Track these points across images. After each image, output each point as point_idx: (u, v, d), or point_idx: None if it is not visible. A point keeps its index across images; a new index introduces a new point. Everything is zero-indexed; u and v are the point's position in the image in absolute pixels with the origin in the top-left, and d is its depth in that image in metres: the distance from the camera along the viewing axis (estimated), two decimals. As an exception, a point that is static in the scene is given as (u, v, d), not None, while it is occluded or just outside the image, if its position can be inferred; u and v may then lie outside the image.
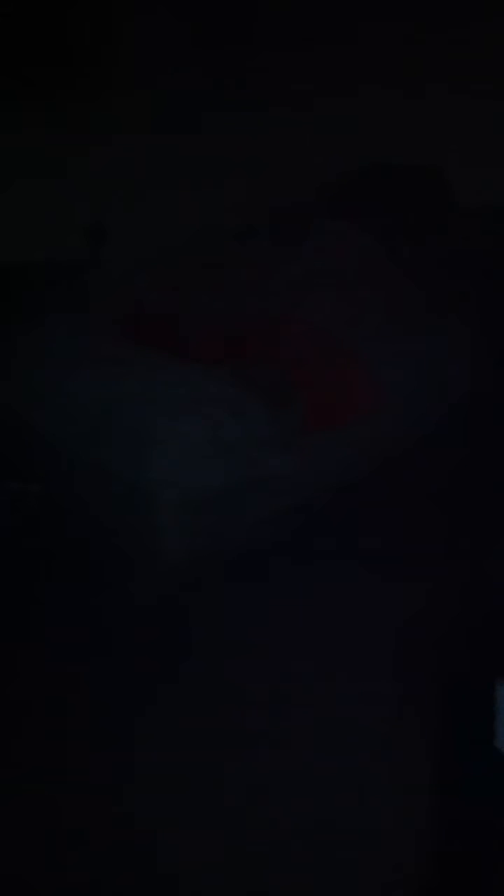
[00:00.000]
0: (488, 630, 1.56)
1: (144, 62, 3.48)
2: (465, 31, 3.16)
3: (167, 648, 2.42)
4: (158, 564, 2.45)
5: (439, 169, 3.28)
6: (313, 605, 2.54)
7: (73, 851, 1.97)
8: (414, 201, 3.28)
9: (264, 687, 2.32)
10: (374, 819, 1.97)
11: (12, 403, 2.72)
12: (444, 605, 2.12)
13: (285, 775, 2.11)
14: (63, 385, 2.68)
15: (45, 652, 2.43)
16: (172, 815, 2.03)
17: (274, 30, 3.48)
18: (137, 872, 1.93)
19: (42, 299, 3.05)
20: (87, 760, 2.15)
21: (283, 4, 3.48)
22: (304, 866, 1.93)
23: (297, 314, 2.86)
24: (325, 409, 2.62)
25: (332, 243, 3.11)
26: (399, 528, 2.66)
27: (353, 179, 3.34)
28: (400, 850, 1.88)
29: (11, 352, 2.81)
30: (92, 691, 2.32)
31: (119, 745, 2.19)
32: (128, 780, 2.12)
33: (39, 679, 2.35)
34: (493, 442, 2.75)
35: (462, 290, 2.97)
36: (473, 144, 3.16)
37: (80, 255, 3.40)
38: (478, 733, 1.48)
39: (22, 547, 2.56)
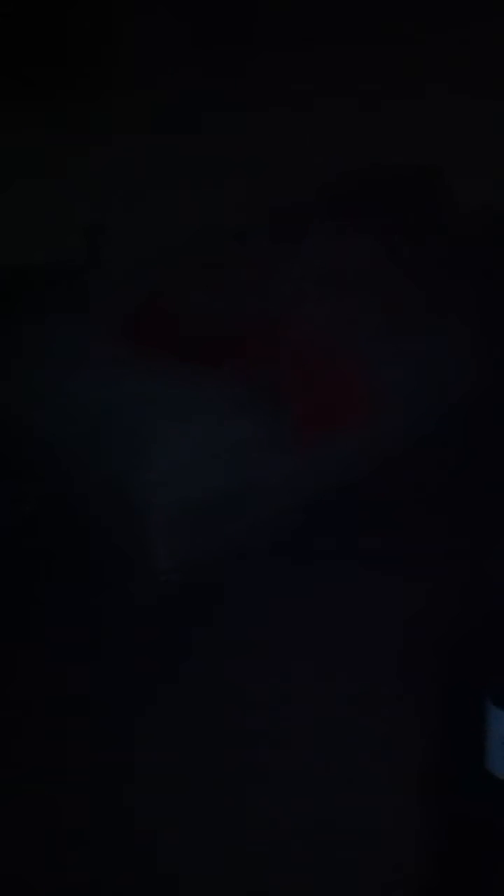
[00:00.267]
0: (489, 631, 1.56)
1: (144, 62, 3.48)
2: (465, 31, 3.16)
3: (167, 648, 2.42)
4: (156, 565, 2.45)
5: (439, 169, 3.28)
6: (313, 605, 2.54)
7: (73, 851, 1.97)
8: (414, 201, 3.28)
9: (264, 687, 2.32)
10: (374, 819, 1.97)
11: (12, 403, 2.72)
12: (444, 605, 2.12)
13: (285, 775, 2.11)
14: (62, 385, 2.68)
15: (45, 652, 2.43)
16: (172, 815, 2.03)
17: (274, 29, 3.48)
18: (137, 872, 1.93)
19: (42, 299, 3.05)
20: (87, 760, 2.15)
21: (283, 4, 3.48)
22: (304, 866, 1.93)
23: (296, 315, 2.86)
24: (323, 411, 2.62)
25: (331, 243, 3.11)
26: (399, 528, 2.66)
27: (352, 179, 3.34)
28: (400, 850, 1.88)
29: (11, 352, 2.82)
30: (92, 691, 2.32)
31: (119, 745, 2.19)
32: (128, 780, 2.12)
33: (39, 679, 2.35)
34: (494, 442, 2.75)
35: (462, 290, 2.97)
36: (474, 144, 3.16)
37: (80, 255, 3.40)
38: (471, 754, 1.48)
39: (22, 547, 2.56)
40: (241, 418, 2.52)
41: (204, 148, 3.46)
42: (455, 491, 2.77)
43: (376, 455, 2.71)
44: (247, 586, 2.51)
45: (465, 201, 3.24)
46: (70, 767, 2.13)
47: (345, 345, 2.78)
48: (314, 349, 2.75)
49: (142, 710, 2.27)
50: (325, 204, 3.31)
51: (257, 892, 1.89)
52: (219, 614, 2.50)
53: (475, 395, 2.89)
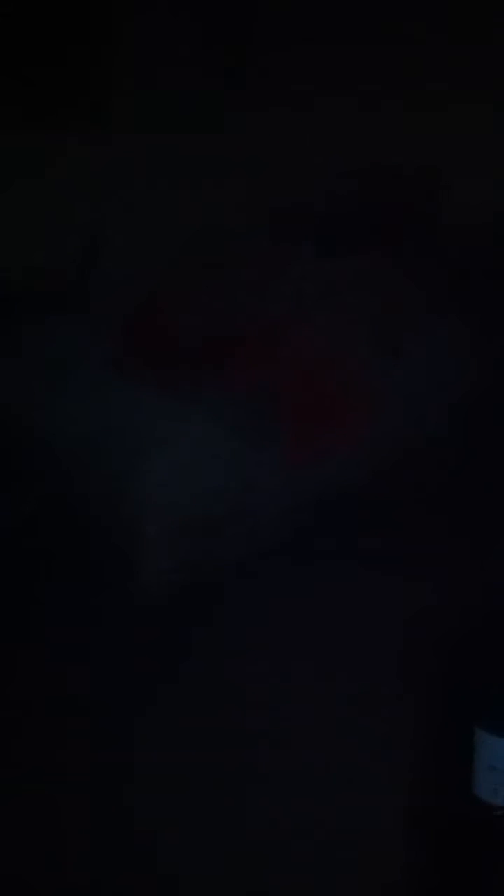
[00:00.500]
0: (490, 631, 1.56)
1: (144, 62, 3.48)
2: (466, 30, 3.17)
3: (167, 648, 2.42)
4: (156, 565, 2.46)
5: (439, 168, 3.28)
6: (313, 605, 2.54)
7: (72, 851, 1.97)
8: (413, 201, 3.28)
9: (264, 687, 2.32)
10: (374, 819, 1.97)
11: (11, 404, 2.73)
12: (444, 606, 2.12)
13: (285, 775, 2.12)
14: (60, 386, 2.68)
15: (45, 652, 2.43)
16: (172, 814, 2.03)
17: (273, 28, 3.49)
18: (137, 872, 1.93)
19: (40, 299, 3.06)
20: (86, 760, 2.16)
21: (282, 4, 3.48)
22: (303, 866, 1.93)
23: (295, 316, 2.86)
24: (322, 412, 2.62)
25: (330, 245, 3.12)
26: (399, 528, 2.66)
27: (351, 179, 3.34)
28: (400, 850, 1.88)
29: (9, 352, 2.82)
30: (91, 691, 2.32)
31: (118, 744, 2.19)
32: (127, 779, 2.12)
33: (38, 679, 2.36)
34: (494, 442, 2.76)
35: (462, 291, 2.97)
36: (474, 144, 3.16)
37: (78, 256, 3.40)
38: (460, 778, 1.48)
39: (21, 546, 2.56)
40: (241, 419, 2.52)
41: (203, 148, 3.47)
42: (455, 491, 2.78)
43: (377, 455, 2.72)
44: (246, 586, 2.52)
45: (465, 201, 3.24)
46: (70, 767, 2.13)
47: (344, 346, 2.78)
48: (314, 350, 2.75)
49: (141, 710, 2.27)
50: (323, 204, 3.32)
51: (257, 892, 1.90)
52: (219, 614, 2.50)
53: (476, 395, 2.90)
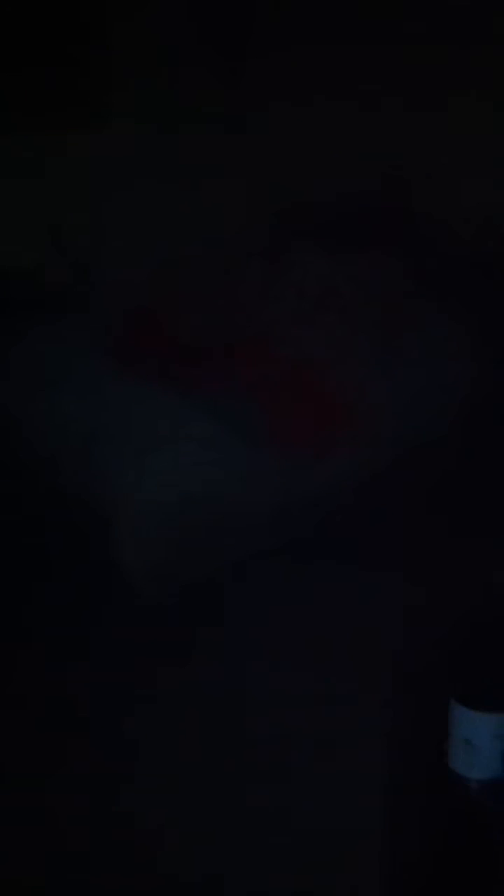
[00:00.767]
0: (490, 631, 1.56)
1: (142, 62, 3.48)
2: (465, 32, 3.17)
3: (167, 649, 2.42)
4: (153, 567, 2.46)
5: (434, 171, 3.28)
6: (313, 606, 2.54)
7: (72, 851, 1.97)
8: (409, 205, 3.28)
9: (264, 687, 2.32)
10: (374, 819, 1.97)
11: (9, 402, 2.74)
12: (444, 607, 2.12)
13: (285, 775, 2.12)
14: (46, 394, 2.70)
15: (45, 652, 2.43)
16: (172, 815, 2.03)
17: (273, 29, 3.49)
18: (137, 872, 1.93)
19: (32, 305, 3.06)
20: (86, 760, 2.16)
21: (281, 4, 3.48)
22: (303, 865, 1.93)
23: (292, 318, 2.87)
24: (316, 416, 2.63)
25: (326, 249, 3.12)
26: (399, 529, 2.66)
27: (348, 185, 3.34)
28: (401, 849, 1.88)
29: (3, 356, 2.84)
30: (91, 691, 2.32)
31: (119, 744, 2.19)
32: (128, 780, 2.12)
33: (38, 679, 2.35)
34: (493, 444, 2.75)
35: (459, 295, 2.97)
36: (470, 146, 3.16)
37: (72, 260, 3.40)
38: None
39: (21, 545, 2.56)
40: (238, 417, 2.53)
41: (203, 148, 3.47)
42: (455, 492, 2.78)
43: (372, 454, 2.71)
44: (246, 586, 2.52)
45: (461, 204, 3.24)
46: (69, 767, 2.13)
47: (342, 346, 2.78)
48: (311, 350, 2.75)
49: (141, 710, 2.27)
50: (322, 205, 3.31)
51: (257, 892, 1.89)
52: (218, 614, 2.50)
53: (474, 397, 2.89)
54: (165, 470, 2.48)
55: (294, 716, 2.24)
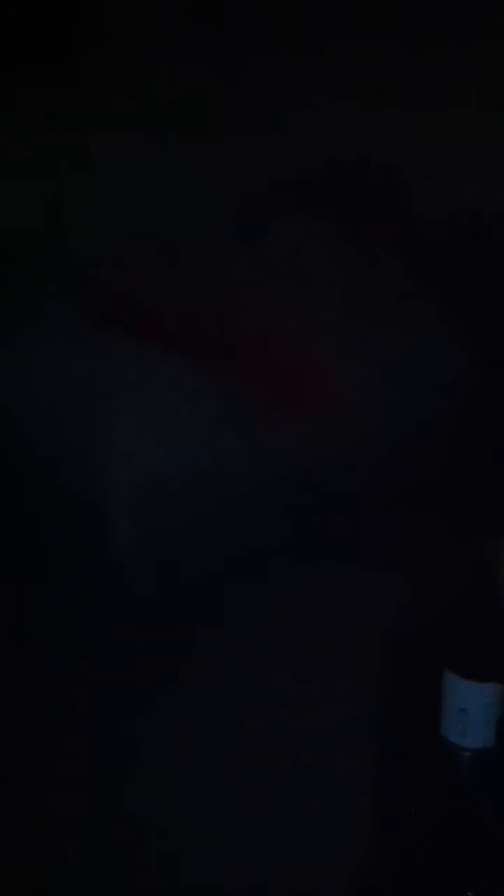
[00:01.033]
0: (489, 630, 1.56)
1: (144, 61, 3.48)
2: (450, 26, 3.17)
3: (167, 648, 2.42)
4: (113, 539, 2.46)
5: (412, 161, 3.28)
6: (313, 606, 2.54)
7: (72, 851, 1.97)
8: (385, 194, 3.29)
9: (264, 687, 2.32)
10: (374, 819, 1.97)
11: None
12: (444, 606, 2.12)
13: (285, 775, 2.12)
14: (20, 365, 2.70)
15: (45, 652, 2.43)
16: (172, 815, 2.03)
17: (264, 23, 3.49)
18: (137, 872, 1.93)
19: (8, 280, 3.07)
20: (86, 761, 2.16)
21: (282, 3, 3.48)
22: (303, 865, 1.93)
23: (257, 301, 2.87)
24: (279, 396, 2.63)
25: (302, 232, 3.12)
26: (399, 529, 2.67)
27: (325, 171, 3.35)
28: (401, 849, 1.88)
29: None
30: (90, 690, 2.32)
31: (119, 744, 2.19)
32: (128, 780, 2.12)
33: (38, 679, 2.35)
34: (492, 442, 2.75)
35: (434, 281, 2.97)
36: (448, 138, 3.16)
37: (52, 238, 3.40)
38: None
39: (21, 546, 2.56)
40: (197, 401, 2.54)
41: (187, 132, 3.47)
42: (454, 491, 2.77)
43: (333, 442, 2.71)
44: (246, 586, 2.52)
45: (433, 194, 3.25)
46: (69, 767, 2.13)
47: (304, 332, 2.78)
48: (272, 336, 2.76)
49: (142, 709, 2.27)
50: (298, 193, 3.32)
51: (257, 892, 1.89)
52: (218, 614, 2.50)
53: (468, 389, 2.89)
54: (150, 446, 2.49)
55: (294, 716, 2.24)
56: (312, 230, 3.12)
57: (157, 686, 2.33)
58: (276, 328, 2.76)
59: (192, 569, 2.51)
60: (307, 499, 2.67)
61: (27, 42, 3.39)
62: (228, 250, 3.13)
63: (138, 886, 1.92)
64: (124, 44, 3.57)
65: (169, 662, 2.39)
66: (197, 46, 3.55)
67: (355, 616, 2.46)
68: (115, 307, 2.86)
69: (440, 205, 3.22)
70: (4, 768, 2.12)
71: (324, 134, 3.39)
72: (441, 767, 1.48)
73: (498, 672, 1.43)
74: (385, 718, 1.75)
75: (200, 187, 3.37)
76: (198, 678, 2.36)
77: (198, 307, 2.81)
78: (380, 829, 1.85)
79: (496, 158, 3.05)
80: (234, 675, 2.36)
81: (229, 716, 2.25)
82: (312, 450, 2.66)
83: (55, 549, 2.53)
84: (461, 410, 2.88)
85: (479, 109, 3.13)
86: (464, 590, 1.70)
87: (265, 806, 2.05)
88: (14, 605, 2.52)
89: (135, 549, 2.47)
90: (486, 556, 1.77)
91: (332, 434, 2.69)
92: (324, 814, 2.01)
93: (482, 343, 2.90)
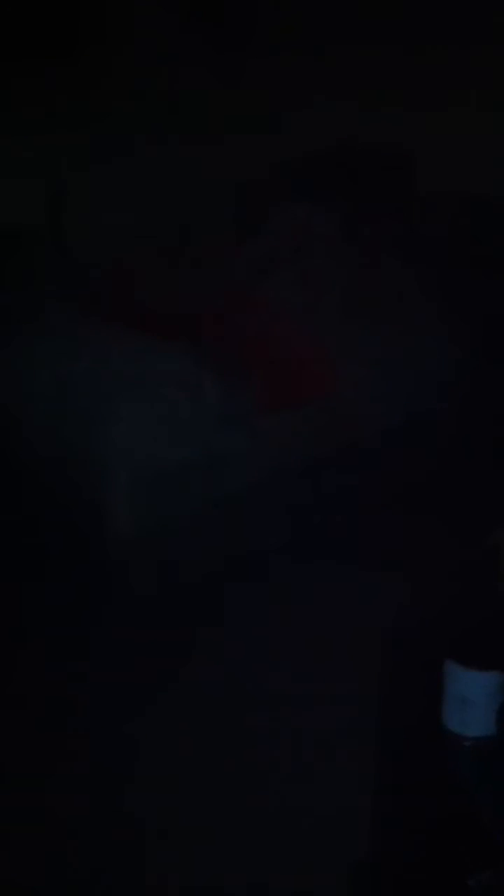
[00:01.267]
0: (491, 621, 1.55)
1: (144, 61, 3.49)
2: (442, 14, 3.18)
3: (167, 648, 2.42)
4: (112, 538, 2.46)
5: (409, 151, 3.29)
6: (313, 606, 2.54)
7: (72, 851, 1.97)
8: (382, 183, 3.29)
9: (264, 687, 2.32)
10: (374, 819, 1.97)
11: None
12: (444, 605, 2.11)
13: (285, 775, 2.12)
14: (20, 365, 2.70)
15: (45, 652, 2.43)
16: (172, 815, 2.03)
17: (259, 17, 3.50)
18: (136, 872, 1.93)
19: (5, 282, 3.07)
20: (86, 761, 2.16)
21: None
22: (303, 865, 1.93)
23: (256, 295, 2.87)
24: (279, 389, 2.63)
25: (295, 225, 3.12)
26: (398, 529, 2.67)
27: (322, 159, 3.35)
28: (401, 849, 1.88)
29: None
30: (92, 691, 2.32)
31: (119, 744, 2.19)
32: (128, 780, 2.12)
33: (38, 679, 2.36)
34: (491, 441, 2.75)
35: (428, 283, 2.97)
36: (445, 128, 3.17)
37: (50, 229, 3.41)
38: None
39: (21, 546, 2.56)
40: (197, 395, 2.54)
41: (177, 126, 3.48)
42: (454, 491, 2.78)
43: (333, 436, 2.71)
44: (246, 586, 2.52)
45: (433, 185, 3.25)
46: (69, 767, 2.13)
47: (303, 326, 2.78)
48: (272, 330, 2.76)
49: (142, 709, 2.27)
50: (298, 193, 3.32)
51: (257, 891, 1.89)
52: (218, 614, 2.51)
53: (461, 387, 2.89)
54: (124, 437, 2.49)
55: (294, 716, 2.24)
56: (312, 230, 3.13)
57: (157, 686, 2.33)
58: (276, 328, 2.76)
59: (192, 569, 2.51)
60: (307, 499, 2.68)
61: (28, 42, 3.40)
62: (228, 250, 3.13)
63: (138, 886, 1.92)
64: (124, 44, 3.58)
65: (169, 662, 2.39)
66: (197, 46, 3.56)
67: (355, 616, 2.45)
68: (115, 307, 2.87)
69: (440, 205, 3.23)
70: (4, 768, 2.12)
71: (324, 134, 3.40)
72: (441, 766, 1.48)
73: (499, 661, 1.43)
74: (385, 718, 1.74)
75: (200, 187, 3.38)
76: (198, 678, 2.36)
77: (198, 307, 2.81)
78: (380, 829, 1.85)
79: (496, 158, 3.06)
80: (234, 675, 2.36)
81: (229, 716, 2.25)
82: (312, 449, 2.67)
83: (55, 549, 2.53)
84: (461, 410, 2.88)
85: (479, 109, 3.14)
86: (464, 589, 1.70)
87: (265, 806, 2.04)
88: (14, 605, 2.53)
89: (135, 549, 2.47)
90: (486, 553, 1.77)
91: (333, 433, 2.69)
92: (324, 814, 2.00)
93: (482, 343, 2.91)
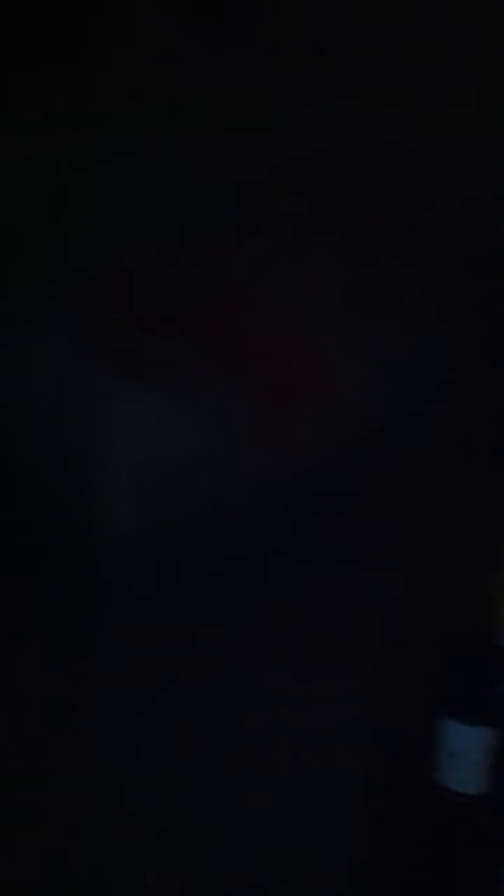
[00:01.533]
0: (477, 644, 1.55)
1: (144, 61, 3.49)
2: (455, 29, 3.17)
3: (167, 648, 2.42)
4: (112, 538, 2.46)
5: (411, 153, 3.29)
6: (313, 605, 2.54)
7: (72, 851, 1.97)
8: (381, 184, 3.29)
9: (264, 686, 2.32)
10: (373, 819, 1.97)
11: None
12: (444, 606, 2.12)
13: (285, 775, 2.12)
14: (20, 365, 2.70)
15: (45, 652, 2.43)
16: (172, 815, 2.03)
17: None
18: (137, 872, 1.93)
19: (5, 282, 3.07)
20: (86, 761, 2.16)
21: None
22: (303, 865, 1.93)
23: (257, 300, 2.87)
24: (278, 390, 2.63)
25: (295, 225, 3.12)
26: (398, 529, 2.67)
27: (319, 160, 3.35)
28: (401, 849, 1.88)
29: None
30: (92, 691, 2.32)
31: (119, 744, 2.19)
32: (128, 780, 2.12)
33: (38, 679, 2.36)
34: (491, 441, 2.75)
35: (428, 283, 2.97)
36: (449, 131, 3.17)
37: (48, 230, 3.41)
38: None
39: (21, 546, 2.56)
40: (196, 397, 2.54)
41: (177, 126, 3.47)
42: (454, 491, 2.78)
43: (333, 438, 2.72)
44: (246, 586, 2.52)
45: (434, 187, 3.25)
46: (69, 767, 2.13)
47: (302, 327, 2.78)
48: (270, 330, 2.76)
49: (142, 709, 2.27)
50: (298, 193, 3.31)
51: (257, 891, 1.90)
52: (218, 614, 2.50)
53: (461, 387, 2.89)
54: (123, 437, 2.49)
55: (294, 716, 2.24)
56: (312, 230, 3.13)
57: (157, 686, 2.33)
58: (275, 328, 2.76)
59: (192, 569, 2.51)
60: (307, 499, 2.68)
61: (28, 42, 3.40)
62: (228, 250, 3.13)
63: (138, 886, 1.92)
64: (124, 44, 3.58)
65: (169, 662, 2.39)
66: (197, 46, 3.56)
67: (355, 616, 2.46)
68: (116, 307, 2.86)
69: (440, 205, 3.23)
70: (4, 768, 2.12)
71: (324, 134, 3.40)
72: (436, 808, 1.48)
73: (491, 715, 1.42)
74: (385, 718, 1.74)
75: (200, 187, 3.37)
76: (198, 678, 2.36)
77: (197, 307, 2.81)
78: (379, 829, 1.85)
79: (496, 158, 3.06)
80: (234, 675, 2.36)
81: (229, 716, 2.25)
82: (312, 449, 2.67)
83: (55, 549, 2.53)
84: (461, 410, 2.88)
85: (480, 109, 3.14)
86: (464, 589, 1.70)
87: (265, 806, 2.04)
88: (14, 605, 2.52)
89: (135, 549, 2.47)
90: (486, 553, 1.76)
91: (333, 433, 2.69)
92: (324, 814, 2.00)
93: (482, 343, 2.91)
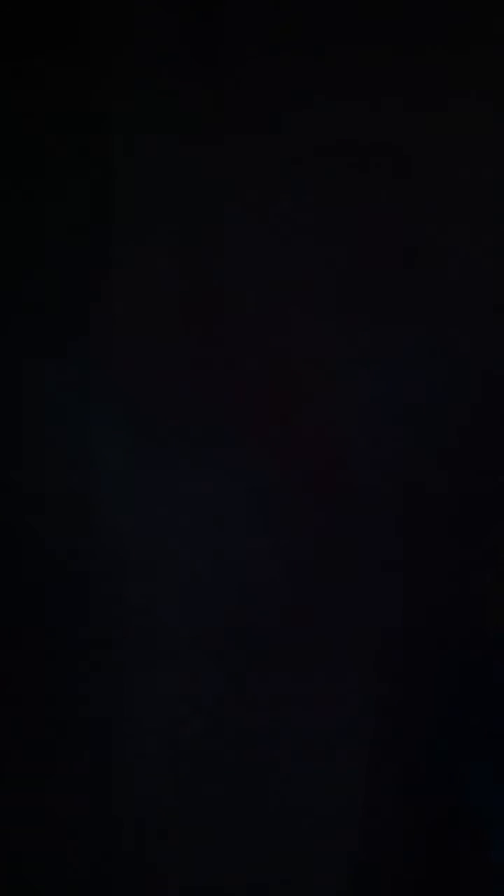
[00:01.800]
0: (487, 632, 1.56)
1: (144, 61, 3.48)
2: (455, 29, 3.16)
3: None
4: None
5: (409, 152, 3.28)
6: (313, 605, 2.54)
7: (72, 851, 1.97)
8: (381, 184, 3.28)
9: (264, 686, 2.31)
10: (373, 819, 1.97)
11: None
12: (444, 609, 2.12)
13: (285, 775, 2.11)
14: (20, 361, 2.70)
15: (45, 652, 2.42)
16: (172, 815, 2.03)
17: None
18: (137, 872, 1.93)
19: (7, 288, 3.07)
20: (86, 761, 2.15)
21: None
22: (304, 865, 1.93)
23: (256, 300, 2.87)
24: (277, 387, 2.63)
25: (297, 232, 3.12)
26: (398, 529, 2.66)
27: (321, 171, 3.33)
28: (401, 849, 1.88)
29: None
30: (92, 691, 2.31)
31: (119, 744, 2.18)
32: (128, 780, 2.12)
33: (38, 679, 2.35)
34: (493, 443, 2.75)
35: (428, 282, 2.97)
36: (444, 128, 3.16)
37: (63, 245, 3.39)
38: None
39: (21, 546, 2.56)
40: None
41: (177, 126, 3.46)
42: (454, 491, 2.77)
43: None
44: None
45: (433, 184, 3.24)
46: (69, 767, 2.13)
47: (310, 332, 2.78)
48: (280, 335, 2.75)
49: (141, 710, 2.27)
50: (297, 193, 3.31)
51: (257, 891, 1.89)
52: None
53: (461, 387, 2.89)
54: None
55: (294, 716, 2.24)
56: (312, 230, 3.12)
57: (157, 686, 2.32)
58: (275, 328, 2.76)
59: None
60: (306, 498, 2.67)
61: (27, 42, 3.39)
62: (228, 249, 3.13)
63: (138, 886, 1.91)
64: (124, 44, 3.57)
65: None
66: (196, 46, 3.56)
67: (355, 616, 2.45)
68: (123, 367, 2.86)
69: (440, 205, 3.23)
70: (4, 768, 2.12)
71: (324, 134, 3.39)
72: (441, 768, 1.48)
73: None
74: (385, 718, 1.74)
75: (200, 187, 3.37)
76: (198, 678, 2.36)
77: (197, 307, 2.81)
78: (379, 829, 1.85)
79: (497, 158, 3.05)
80: (234, 675, 2.35)
81: (229, 716, 2.25)
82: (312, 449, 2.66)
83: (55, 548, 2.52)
84: (461, 410, 2.88)
85: (479, 110, 3.13)
86: (463, 589, 1.70)
87: (265, 806, 2.04)
88: (14, 605, 2.52)
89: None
90: (486, 553, 1.77)
91: (333, 433, 2.69)
92: (324, 814, 2.00)
93: (482, 343, 2.90)
